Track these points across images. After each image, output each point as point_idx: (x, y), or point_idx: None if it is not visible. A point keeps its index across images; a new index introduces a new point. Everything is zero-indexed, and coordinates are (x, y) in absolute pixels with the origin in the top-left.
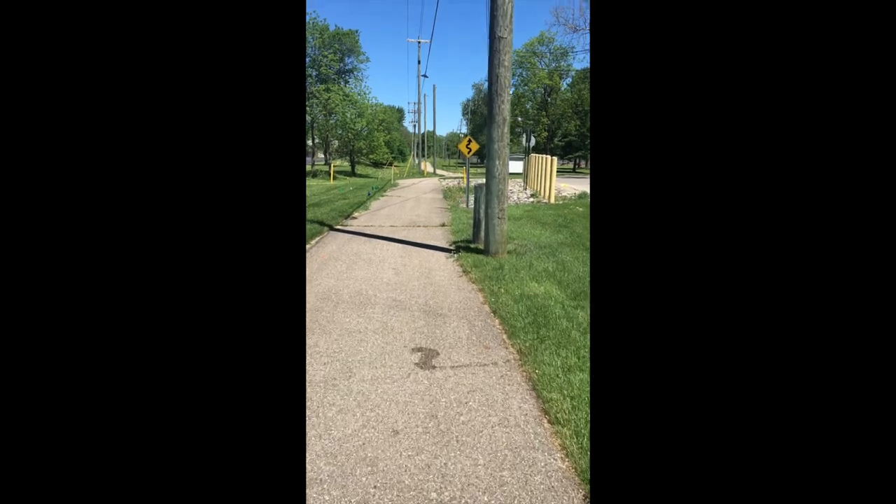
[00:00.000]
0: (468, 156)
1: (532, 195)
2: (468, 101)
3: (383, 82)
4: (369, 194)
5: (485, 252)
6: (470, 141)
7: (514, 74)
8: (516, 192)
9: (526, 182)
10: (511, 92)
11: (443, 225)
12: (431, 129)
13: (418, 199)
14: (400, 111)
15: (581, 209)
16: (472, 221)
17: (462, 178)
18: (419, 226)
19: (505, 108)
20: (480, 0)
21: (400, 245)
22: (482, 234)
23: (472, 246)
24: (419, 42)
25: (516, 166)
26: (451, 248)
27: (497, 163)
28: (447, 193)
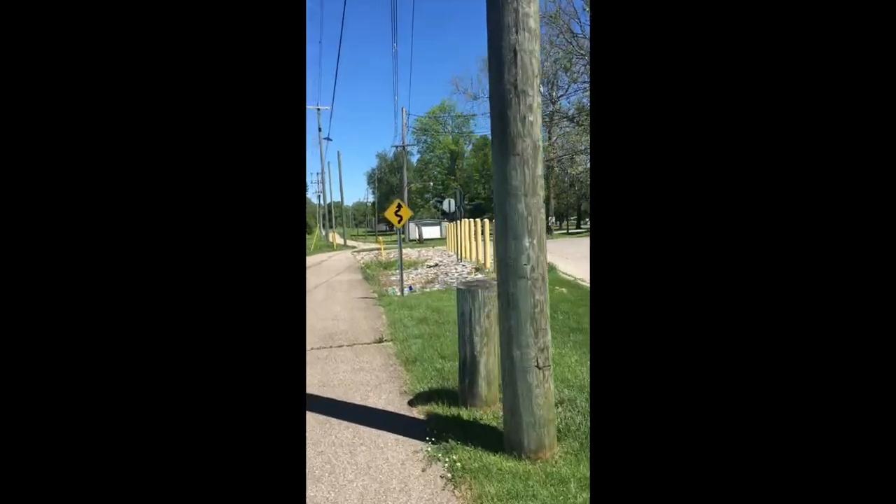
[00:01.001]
0: (399, 226)
1: (476, 269)
2: (373, 170)
3: None
4: None
5: (508, 447)
6: (400, 207)
7: (417, 141)
8: (449, 263)
9: (459, 253)
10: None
11: (380, 341)
12: (339, 199)
13: (332, 286)
14: None
15: (565, 290)
16: (425, 331)
17: (379, 248)
18: (339, 345)
19: (536, 124)
20: (379, 67)
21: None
22: (479, 388)
23: (465, 416)
24: (318, 109)
25: (432, 231)
26: (420, 417)
27: (525, 243)
28: (367, 272)
